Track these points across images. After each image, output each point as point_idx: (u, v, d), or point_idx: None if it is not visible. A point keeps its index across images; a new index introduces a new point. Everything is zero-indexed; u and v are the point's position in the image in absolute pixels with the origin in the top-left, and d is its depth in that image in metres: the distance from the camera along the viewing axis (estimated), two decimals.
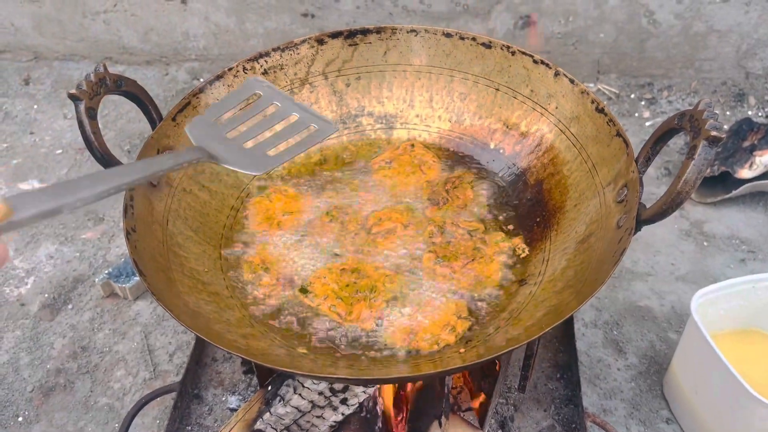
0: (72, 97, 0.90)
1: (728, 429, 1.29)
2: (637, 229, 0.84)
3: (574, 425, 1.26)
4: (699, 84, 2.20)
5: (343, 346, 0.90)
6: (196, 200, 1.04)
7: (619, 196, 0.91)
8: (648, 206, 0.85)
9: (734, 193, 1.76)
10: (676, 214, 1.81)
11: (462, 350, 0.88)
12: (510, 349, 0.74)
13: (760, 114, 2.13)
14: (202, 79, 2.35)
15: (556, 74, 1.07)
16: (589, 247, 0.92)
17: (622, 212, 0.89)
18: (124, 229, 0.88)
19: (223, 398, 1.37)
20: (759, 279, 1.36)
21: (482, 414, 1.14)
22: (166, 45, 2.34)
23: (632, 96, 2.21)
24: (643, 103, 2.19)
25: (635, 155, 0.92)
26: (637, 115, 2.15)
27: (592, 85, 2.23)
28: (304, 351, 0.89)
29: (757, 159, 1.73)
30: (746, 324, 1.43)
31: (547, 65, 1.08)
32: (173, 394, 1.27)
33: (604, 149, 0.98)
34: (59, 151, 2.15)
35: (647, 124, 2.11)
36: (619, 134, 0.95)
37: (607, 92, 2.20)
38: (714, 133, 0.76)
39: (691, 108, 0.82)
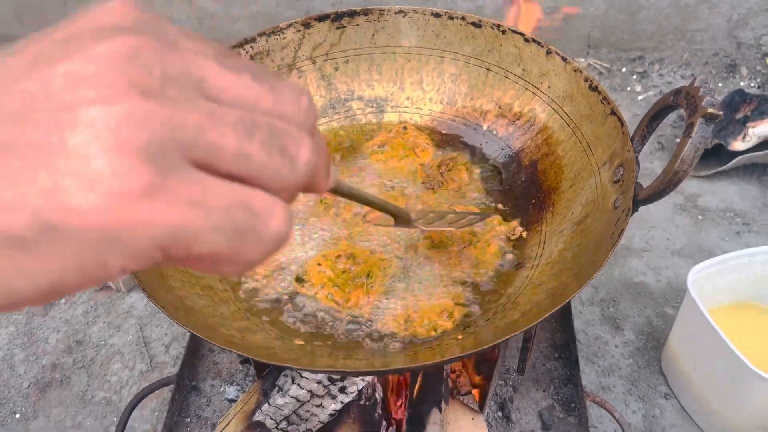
0: None
1: (727, 403, 1.30)
2: (635, 209, 0.83)
3: (573, 404, 1.26)
4: (690, 56, 2.18)
5: (341, 335, 0.89)
6: None
7: (615, 175, 0.90)
8: (644, 185, 0.84)
9: (728, 165, 1.76)
10: None
11: (460, 337, 0.87)
12: (508, 337, 0.73)
13: (752, 84, 2.12)
14: None
15: (548, 53, 1.05)
16: (585, 229, 0.91)
17: (618, 192, 0.87)
18: None
19: (221, 389, 1.37)
20: (754, 252, 1.36)
21: (482, 397, 1.13)
22: None
23: (623, 70, 2.19)
24: (634, 77, 2.17)
25: (630, 134, 0.90)
26: (629, 89, 2.13)
27: (582, 59, 2.21)
28: (301, 342, 0.88)
29: (750, 130, 1.72)
30: (742, 297, 1.43)
31: (538, 44, 1.06)
32: (171, 387, 1.26)
33: (598, 128, 0.97)
34: None
35: (639, 98, 2.10)
36: (613, 112, 0.94)
37: (598, 67, 2.18)
38: (711, 110, 0.75)
39: (686, 84, 0.81)
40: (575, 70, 1.01)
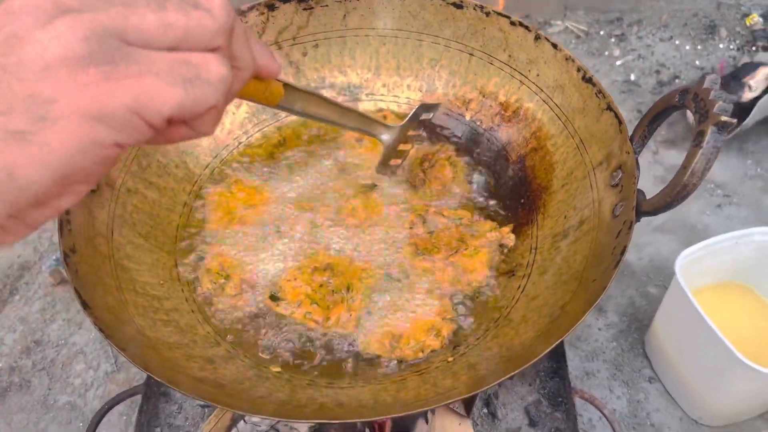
0: None
1: (711, 387, 1.28)
2: (637, 220, 0.77)
3: (560, 398, 1.22)
4: (669, 17, 2.11)
5: (321, 361, 0.82)
6: (144, 200, 0.92)
7: (613, 179, 0.83)
8: (648, 196, 0.78)
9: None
10: (650, 159, 1.77)
11: (450, 359, 0.81)
12: (503, 378, 0.67)
13: (731, 46, 2.06)
14: None
15: (537, 38, 0.96)
16: (582, 236, 0.85)
17: (617, 198, 0.81)
18: (60, 250, 0.77)
19: None
20: (741, 235, 1.32)
21: (468, 402, 1.09)
22: None
23: (601, 33, 2.11)
24: (612, 40, 2.09)
25: (629, 132, 0.84)
26: (607, 53, 2.06)
27: (559, 22, 2.12)
28: (278, 369, 0.81)
29: (751, 82, 1.67)
30: (727, 277, 1.40)
31: (526, 28, 0.97)
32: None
33: (592, 124, 0.89)
34: None
35: (618, 63, 2.02)
36: (609, 108, 0.86)
37: (575, 30, 2.10)
38: (724, 117, 0.68)
39: (694, 85, 0.74)
40: (567, 59, 0.93)
